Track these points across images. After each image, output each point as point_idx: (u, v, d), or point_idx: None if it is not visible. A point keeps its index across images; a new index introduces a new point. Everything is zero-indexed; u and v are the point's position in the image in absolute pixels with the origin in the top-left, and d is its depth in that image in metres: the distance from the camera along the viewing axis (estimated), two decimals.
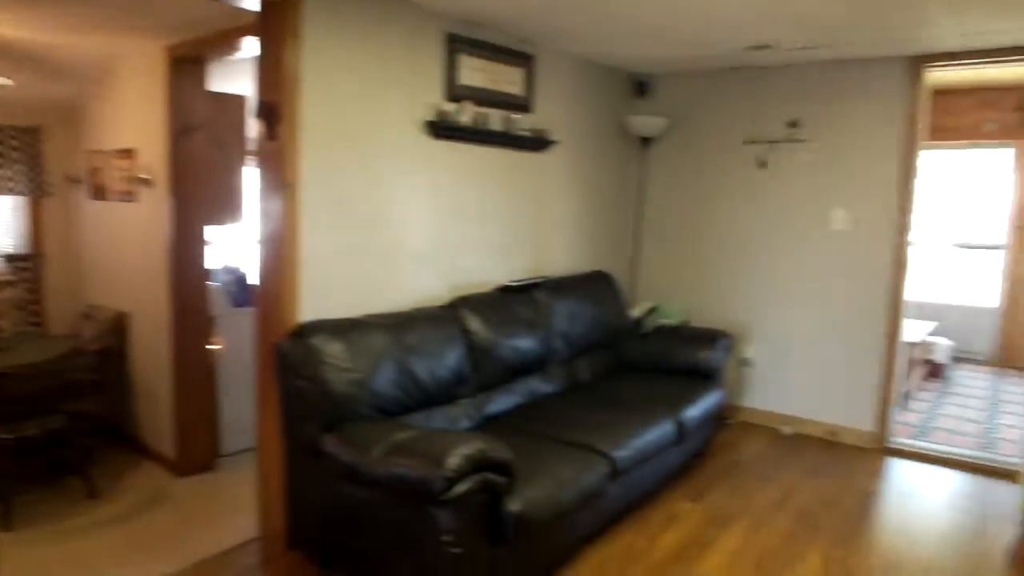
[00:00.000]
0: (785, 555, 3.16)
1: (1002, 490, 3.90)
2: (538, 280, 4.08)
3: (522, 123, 4.05)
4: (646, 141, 5.08)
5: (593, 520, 3.11)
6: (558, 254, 4.58)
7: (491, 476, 2.44)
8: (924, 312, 6.61)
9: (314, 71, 2.96)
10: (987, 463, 4.23)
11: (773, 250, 4.75)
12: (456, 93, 3.64)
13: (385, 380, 2.89)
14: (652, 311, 4.89)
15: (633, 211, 5.23)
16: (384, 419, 2.87)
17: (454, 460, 2.31)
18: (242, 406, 3.96)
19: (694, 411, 3.80)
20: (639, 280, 5.25)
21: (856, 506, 3.68)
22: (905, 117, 4.24)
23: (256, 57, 3.01)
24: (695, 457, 4.14)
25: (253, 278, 3.61)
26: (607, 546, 3.19)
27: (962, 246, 7.00)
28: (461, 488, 2.31)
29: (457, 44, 3.61)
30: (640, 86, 5.10)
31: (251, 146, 4.05)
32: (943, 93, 6.27)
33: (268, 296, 3.05)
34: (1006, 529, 3.46)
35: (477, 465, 2.38)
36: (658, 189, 5.18)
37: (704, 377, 4.20)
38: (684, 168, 5.05)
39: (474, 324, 3.45)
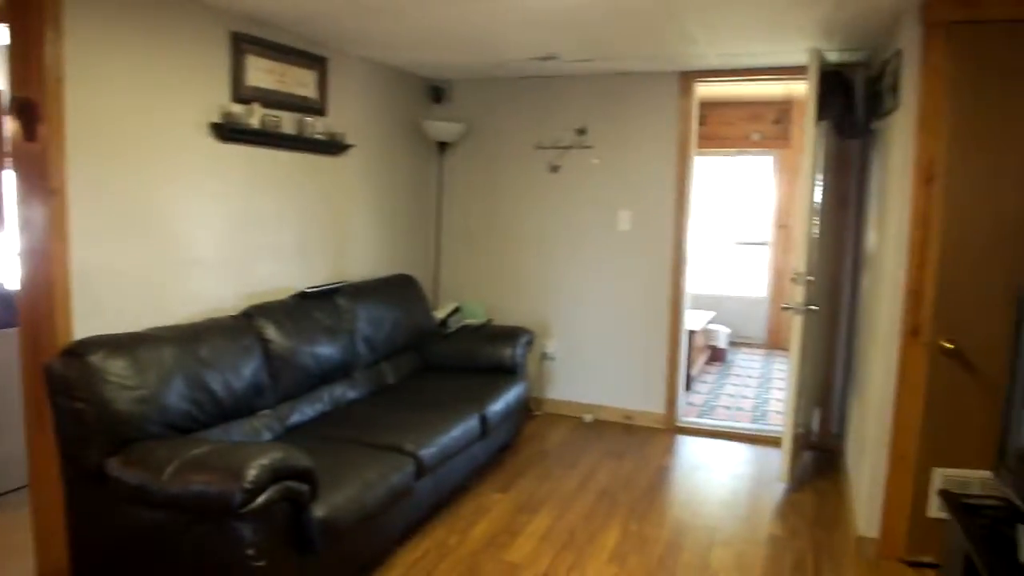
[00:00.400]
0: (588, 533, 3.36)
1: (772, 455, 4.41)
2: (339, 285, 4.04)
3: (316, 126, 3.99)
4: (443, 146, 5.18)
5: (404, 520, 3.12)
6: (359, 258, 4.56)
7: (292, 484, 2.38)
8: (705, 303, 7.31)
9: (81, 67, 2.73)
10: (760, 433, 4.77)
11: (567, 250, 5.03)
12: (244, 94, 3.52)
13: (176, 395, 2.73)
14: (456, 311, 5.00)
15: (433, 214, 5.31)
16: (177, 436, 2.71)
17: (252, 471, 2.24)
18: (10, 439, 3.55)
19: (498, 406, 3.94)
20: (442, 281, 5.35)
21: (650, 482, 3.99)
22: (679, 126, 4.68)
23: (6, 47, 2.73)
24: (502, 450, 4.30)
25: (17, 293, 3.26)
26: (419, 543, 3.22)
27: (736, 243, 7.81)
28: (262, 499, 2.24)
29: (244, 43, 3.49)
30: (436, 92, 5.20)
31: (6, 147, 3.66)
32: (719, 106, 7.00)
33: (33, 313, 2.76)
34: (777, 488, 3.93)
35: (277, 475, 2.32)
36: (457, 192, 5.30)
37: (507, 373, 4.36)
38: (481, 172, 5.22)
39: (271, 332, 3.34)
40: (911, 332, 3.08)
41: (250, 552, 2.25)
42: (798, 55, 3.98)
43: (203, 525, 2.29)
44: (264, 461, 2.30)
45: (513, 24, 3.51)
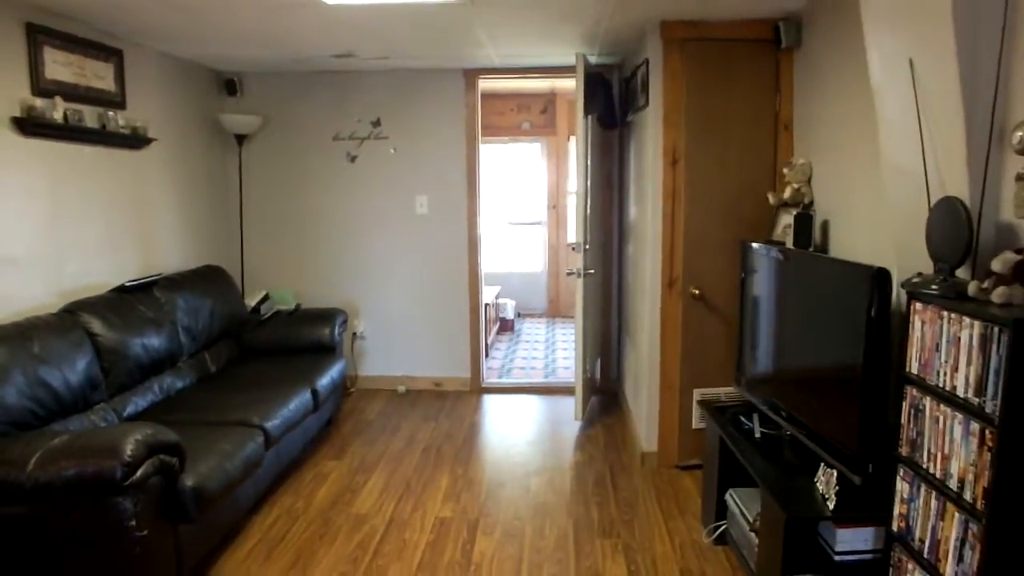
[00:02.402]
0: (421, 482, 3.79)
1: (564, 402, 5.14)
2: (155, 278, 4.04)
3: (118, 120, 3.94)
4: (242, 138, 5.24)
5: (255, 490, 3.33)
6: (169, 251, 4.54)
7: (164, 457, 2.54)
8: (492, 279, 7.96)
9: None
10: (552, 385, 5.50)
11: (370, 235, 5.36)
12: (44, 88, 3.42)
13: (16, 393, 2.72)
14: (265, 299, 5.13)
15: (236, 205, 5.35)
16: (21, 433, 2.70)
17: (129, 446, 2.37)
18: None
19: (325, 380, 4.21)
20: (248, 271, 5.41)
21: (467, 435, 4.50)
22: (466, 117, 5.20)
23: None
24: (328, 424, 4.56)
25: None
26: (270, 511, 3.44)
27: (513, 223, 8.56)
28: (140, 473, 2.38)
29: (39, 35, 3.39)
30: (229, 84, 5.22)
31: None
32: (492, 97, 7.62)
33: None
34: (572, 427, 4.62)
35: (151, 449, 2.47)
36: (258, 184, 5.38)
37: (327, 351, 4.62)
38: (281, 164, 5.35)
39: (98, 327, 3.34)
40: (668, 284, 3.87)
41: (132, 523, 2.38)
42: (566, 57, 4.66)
43: (80, 508, 2.37)
44: (138, 436, 2.44)
45: (315, 27, 3.77)
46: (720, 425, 3.20)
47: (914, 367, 2.13)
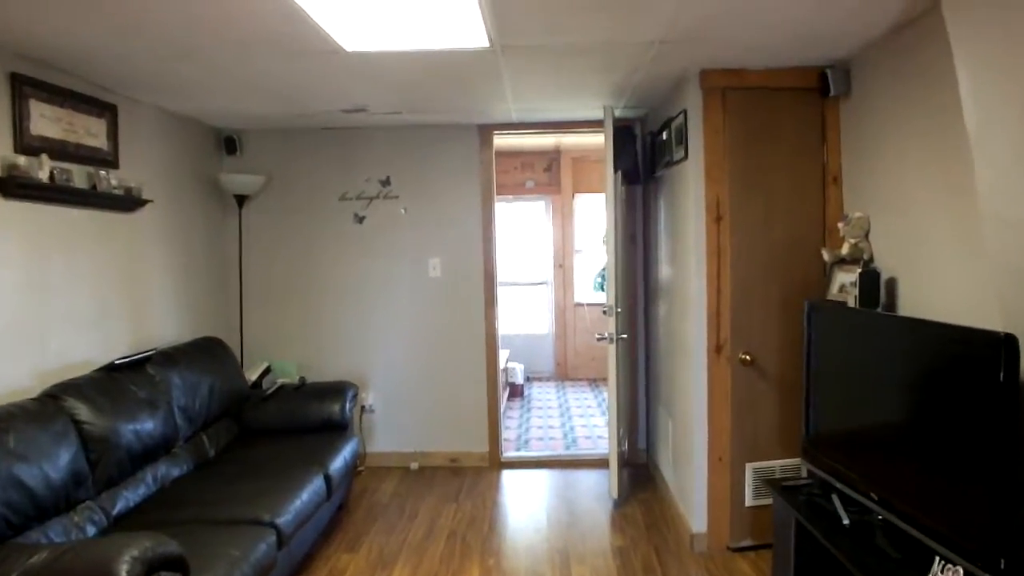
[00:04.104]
0: (450, 575, 3.40)
1: (592, 476, 4.77)
2: (148, 353, 3.68)
3: (110, 180, 3.63)
4: (242, 199, 4.94)
5: None
6: (162, 322, 4.18)
7: (167, 575, 2.15)
8: (502, 343, 7.63)
9: None
10: (577, 457, 5.13)
11: (379, 300, 5.04)
12: (29, 144, 3.11)
13: None
14: (267, 372, 4.77)
15: (235, 271, 5.02)
16: None
17: (125, 566, 1.99)
18: None
19: (338, 462, 3.82)
20: (248, 341, 5.04)
21: (492, 517, 4.10)
22: (481, 175, 4.96)
23: None
24: (339, 510, 4.15)
25: None
26: None
27: (520, 283, 8.28)
28: None
29: (25, 87, 3.09)
30: (229, 142, 4.95)
31: None
32: (496, 155, 7.42)
33: None
34: (606, 504, 4.24)
35: (150, 566, 2.08)
36: (259, 247, 5.07)
37: (338, 429, 4.24)
38: (283, 225, 5.05)
39: (84, 413, 2.94)
40: (715, 349, 3.57)
41: None
42: (586, 111, 4.46)
43: None
44: (135, 552, 2.06)
45: (330, 77, 3.52)
46: (795, 507, 2.86)
47: None
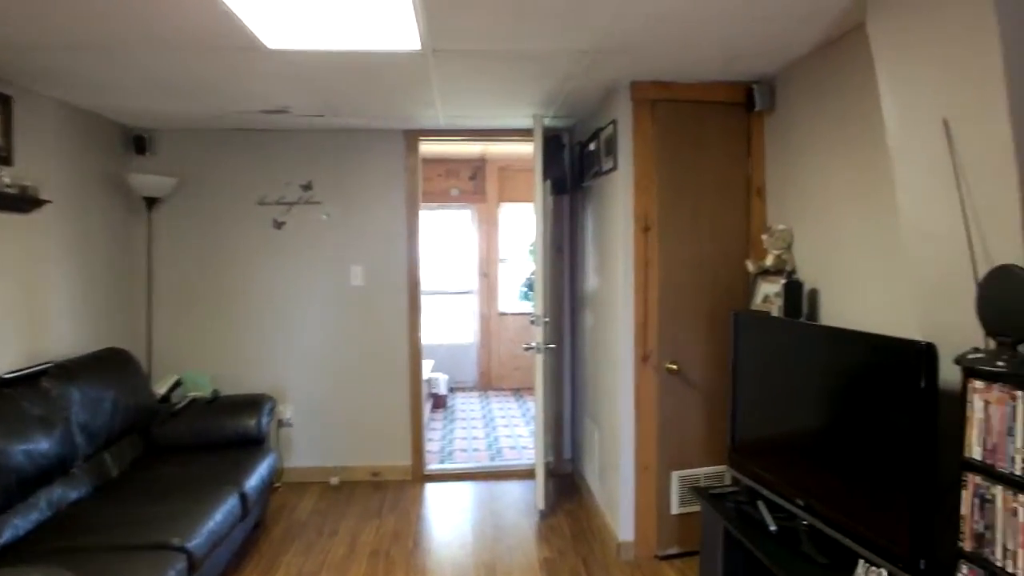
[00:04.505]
0: None
1: (517, 487, 4.72)
2: (44, 366, 3.42)
3: (3, 179, 3.36)
4: (152, 202, 4.67)
5: None
6: (62, 333, 3.89)
7: None
8: (425, 353, 7.51)
9: None
10: (502, 469, 5.06)
11: (298, 309, 4.85)
12: None
13: None
14: (177, 385, 4.52)
15: (143, 278, 4.74)
16: None
17: None
18: None
19: (254, 480, 3.63)
20: (158, 353, 4.76)
21: (417, 534, 3.99)
22: (407, 182, 4.86)
23: None
24: (255, 529, 3.95)
25: None
26: None
27: (444, 292, 8.17)
28: None
29: None
30: (138, 141, 4.67)
31: None
32: (422, 162, 7.32)
33: None
34: (532, 516, 4.19)
35: None
36: (170, 253, 4.79)
37: (254, 444, 4.04)
38: (197, 230, 4.80)
39: None
40: (643, 359, 3.59)
41: None
42: (516, 119, 4.43)
43: None
44: None
45: (250, 75, 3.37)
46: (722, 515, 2.89)
47: (976, 452, 1.90)
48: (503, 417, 6.69)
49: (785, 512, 2.71)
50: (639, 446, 3.60)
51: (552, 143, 4.46)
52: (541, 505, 4.19)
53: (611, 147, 3.69)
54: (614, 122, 3.61)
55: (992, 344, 1.92)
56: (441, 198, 7.55)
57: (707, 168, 3.56)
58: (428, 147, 5.37)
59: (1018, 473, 1.76)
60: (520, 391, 7.79)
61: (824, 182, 3.04)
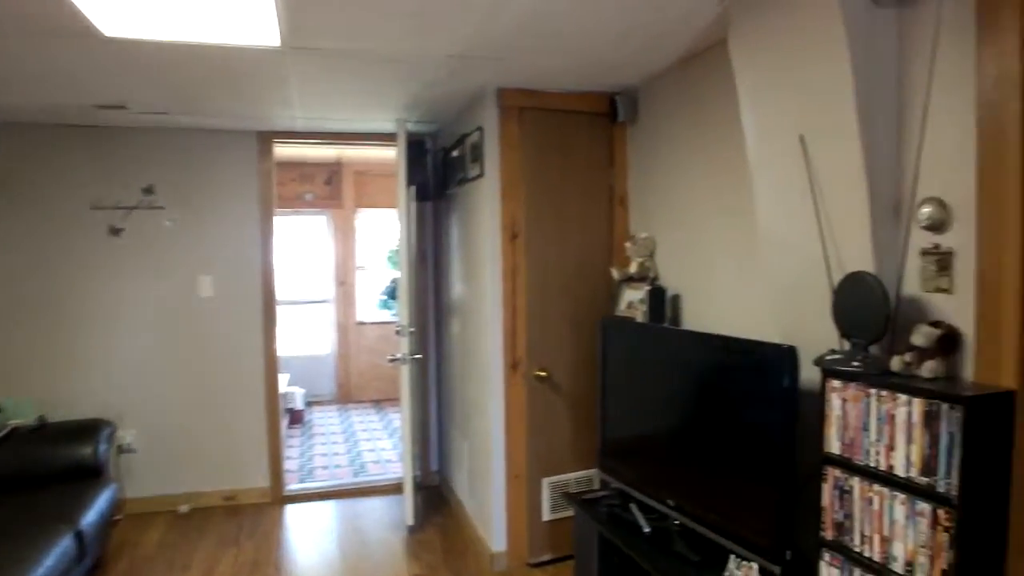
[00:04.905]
0: None
1: (384, 503, 4.57)
2: None
3: None
4: None
5: None
6: None
7: None
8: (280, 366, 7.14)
9: None
10: (367, 485, 4.88)
11: (140, 324, 4.43)
12: None
13: None
14: None
15: None
16: None
17: None
18: None
19: (91, 515, 3.27)
20: None
21: (279, 561, 3.75)
22: (260, 187, 4.58)
23: None
24: (94, 570, 3.56)
25: None
26: None
27: (300, 302, 7.81)
28: None
29: None
30: None
31: None
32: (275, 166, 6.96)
33: None
34: (400, 532, 4.07)
35: None
36: None
37: (90, 475, 3.65)
38: (17, 236, 4.24)
39: None
40: (512, 366, 3.58)
41: None
42: (376, 123, 4.30)
43: None
44: None
45: (84, 66, 3.03)
46: (596, 519, 2.92)
47: (834, 447, 2.03)
48: (365, 431, 6.49)
49: (657, 513, 2.78)
50: (510, 454, 3.58)
51: (415, 148, 4.38)
52: (410, 520, 4.08)
53: (477, 154, 3.66)
54: (480, 129, 3.58)
55: (847, 346, 2.05)
56: (294, 203, 7.22)
57: (573, 177, 3.62)
58: (281, 150, 5.09)
59: (873, 465, 1.90)
60: (381, 403, 7.59)
61: (685, 192, 3.17)
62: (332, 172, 7.29)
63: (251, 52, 2.85)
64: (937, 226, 1.89)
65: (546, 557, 3.63)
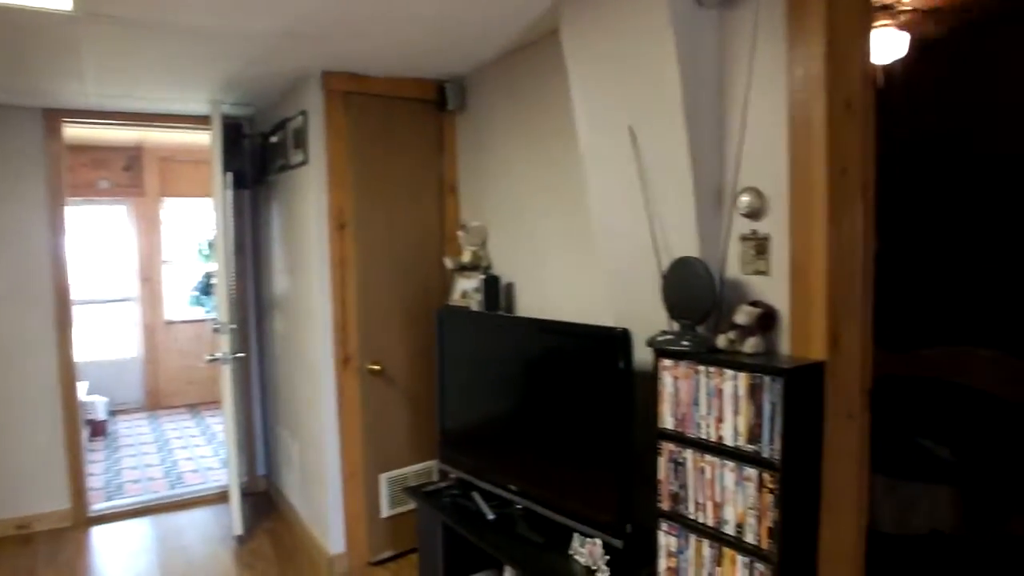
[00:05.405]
0: None
1: (207, 514, 4.26)
2: None
3: None
4: None
5: None
6: None
7: None
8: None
9: None
10: (186, 497, 4.52)
11: None
12: None
13: None
14: None
15: None
16: None
17: None
18: None
19: None
20: None
21: None
22: (47, 171, 4.04)
23: None
24: None
25: None
26: None
27: (98, 301, 7.04)
28: None
29: None
30: None
31: None
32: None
33: None
34: (228, 543, 3.80)
35: None
36: None
37: None
38: None
39: None
40: (343, 362, 3.45)
41: None
42: (185, 104, 3.94)
43: None
44: None
45: None
46: (439, 510, 2.90)
47: (668, 422, 2.14)
48: (180, 438, 5.99)
49: (500, 500, 2.80)
50: (344, 452, 3.46)
51: (231, 132, 4.07)
52: (239, 530, 3.82)
53: (301, 139, 3.47)
54: (304, 113, 3.40)
55: (676, 327, 2.16)
56: (87, 191, 6.48)
57: (402, 165, 3.54)
58: (71, 132, 4.53)
59: (704, 437, 2.02)
60: (196, 407, 7.05)
61: (516, 180, 3.20)
62: (132, 157, 6.61)
63: (32, 15, 2.47)
64: (755, 214, 2.04)
65: (388, 554, 3.55)
